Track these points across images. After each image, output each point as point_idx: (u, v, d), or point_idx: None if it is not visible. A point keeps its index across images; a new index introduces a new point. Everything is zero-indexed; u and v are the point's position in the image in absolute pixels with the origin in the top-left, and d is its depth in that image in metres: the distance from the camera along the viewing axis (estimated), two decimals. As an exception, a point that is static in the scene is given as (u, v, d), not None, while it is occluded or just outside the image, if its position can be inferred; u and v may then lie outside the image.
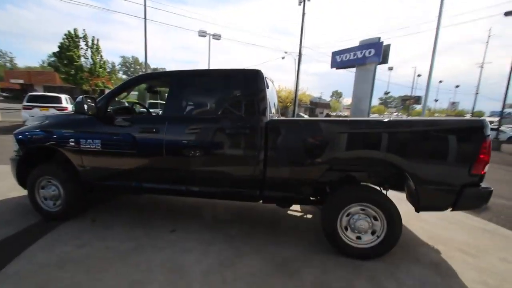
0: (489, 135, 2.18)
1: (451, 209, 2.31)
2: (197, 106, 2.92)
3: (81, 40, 21.66)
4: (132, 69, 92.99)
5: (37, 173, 2.99)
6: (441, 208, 2.34)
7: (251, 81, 2.64)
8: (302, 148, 2.48)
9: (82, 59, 22.30)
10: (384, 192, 2.55)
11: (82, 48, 22.16)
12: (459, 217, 3.58)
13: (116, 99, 3.23)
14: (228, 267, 2.26)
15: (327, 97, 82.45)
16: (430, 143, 2.26)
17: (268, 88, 2.75)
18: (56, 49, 20.93)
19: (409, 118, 2.93)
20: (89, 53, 22.44)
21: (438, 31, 9.56)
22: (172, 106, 2.81)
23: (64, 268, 2.17)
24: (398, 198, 2.62)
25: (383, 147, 2.30)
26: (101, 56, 23.66)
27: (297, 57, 20.63)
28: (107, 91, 30.19)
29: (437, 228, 3.24)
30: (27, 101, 9.98)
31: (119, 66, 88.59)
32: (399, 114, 54.55)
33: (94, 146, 2.80)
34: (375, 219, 2.39)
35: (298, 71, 20.53)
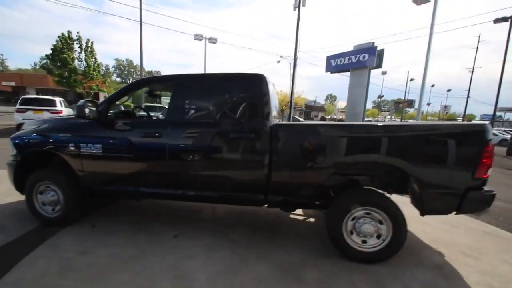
0: (491, 139, 2.22)
1: (455, 212, 2.34)
2: (200, 110, 2.90)
3: (75, 42, 21.44)
4: (126, 72, 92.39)
5: (35, 178, 2.92)
6: (445, 211, 2.37)
7: (254, 85, 2.64)
8: (307, 152, 2.49)
9: (76, 61, 22.06)
10: (388, 196, 2.57)
11: (76, 50, 21.93)
12: (459, 219, 3.62)
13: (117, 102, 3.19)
14: (234, 274, 2.24)
15: (321, 101, 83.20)
16: (434, 147, 2.28)
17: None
18: (49, 51, 20.66)
19: (413, 122, 2.98)
20: (83, 55, 22.22)
21: (431, 38, 9.74)
22: (175, 110, 2.79)
23: (65, 276, 2.12)
24: (400, 201, 2.63)
25: (388, 151, 2.32)
26: (95, 58, 23.44)
27: (293, 61, 20.80)
28: (101, 94, 29.93)
29: (438, 231, 3.27)
30: (21, 104, 9.80)
31: (113, 68, 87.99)
32: (392, 117, 55.24)
33: (94, 151, 2.75)
34: (381, 223, 2.40)
35: (294, 75, 20.68)
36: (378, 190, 2.57)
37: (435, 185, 2.29)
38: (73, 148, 2.78)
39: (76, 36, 21.22)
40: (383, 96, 52.59)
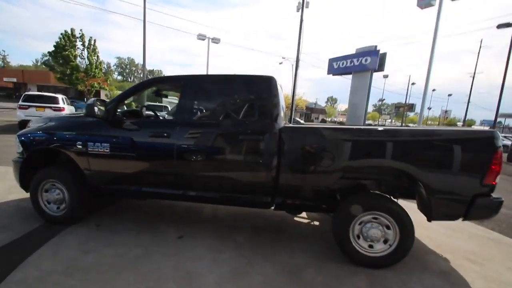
0: (500, 146, 2.22)
1: (462, 218, 2.34)
2: (209, 111, 2.90)
3: (77, 40, 21.47)
4: (127, 70, 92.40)
5: (41, 176, 2.91)
6: (453, 217, 2.36)
7: (264, 87, 2.64)
8: (315, 155, 2.48)
9: (78, 59, 22.08)
10: (395, 200, 2.56)
11: (78, 48, 21.96)
12: (463, 225, 3.62)
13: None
14: (241, 276, 2.23)
15: (322, 103, 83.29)
16: (443, 153, 2.28)
17: None
18: (50, 48, 20.71)
19: (424, 127, 2.98)
20: (85, 53, 22.24)
21: (435, 43, 9.77)
22: (184, 110, 2.78)
23: (72, 275, 2.11)
24: (405, 207, 2.63)
25: (398, 156, 2.32)
26: (97, 56, 23.47)
27: (295, 62, 20.81)
28: (102, 92, 29.98)
29: (443, 237, 3.26)
30: (23, 101, 9.79)
31: (114, 66, 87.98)
32: (393, 121, 55.32)
33: (102, 150, 2.75)
34: (388, 227, 2.40)
35: (296, 76, 20.69)
36: (386, 194, 2.57)
37: (443, 191, 2.29)
38: (80, 146, 2.77)
39: (79, 33, 21.23)
40: (384, 99, 52.67)
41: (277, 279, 2.21)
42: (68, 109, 10.67)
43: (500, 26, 13.71)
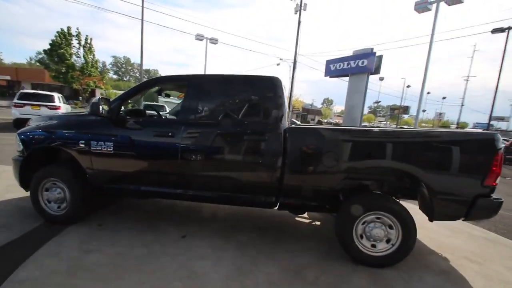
0: (501, 148, 2.26)
1: (463, 219, 2.38)
2: (214, 111, 2.90)
3: (74, 38, 21.26)
4: (123, 69, 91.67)
5: (42, 174, 2.87)
6: (454, 217, 2.41)
7: (270, 88, 2.66)
8: (320, 156, 2.51)
9: (74, 57, 21.87)
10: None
11: (74, 46, 21.75)
12: (461, 226, 3.68)
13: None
14: (247, 275, 2.24)
15: (318, 104, 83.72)
16: (446, 154, 2.32)
17: None
18: (45, 46, 20.51)
19: (427, 129, 3.00)
20: (81, 51, 22.04)
21: (431, 48, 9.94)
22: (189, 110, 2.78)
23: (76, 275, 2.09)
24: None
25: (401, 157, 2.35)
26: (93, 55, 23.28)
27: (292, 64, 20.92)
28: (97, 90, 29.79)
29: (442, 237, 3.31)
30: (19, 99, 9.64)
31: (110, 65, 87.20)
32: (388, 123, 55.81)
33: (105, 149, 2.73)
34: (390, 227, 2.43)
35: (293, 78, 20.81)
36: (388, 195, 2.61)
37: (445, 192, 2.33)
38: (83, 145, 2.75)
39: (76, 32, 21.04)
40: (380, 101, 53.19)
41: (281, 278, 2.23)
42: (64, 108, 10.54)
43: (494, 31, 13.97)
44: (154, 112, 3.84)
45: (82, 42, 22.25)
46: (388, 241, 2.45)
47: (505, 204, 4.33)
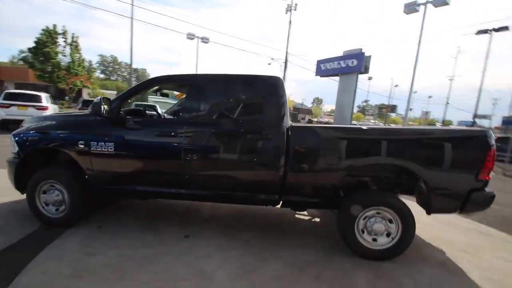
0: (494, 144, 2.38)
1: (459, 211, 2.49)
2: (216, 110, 2.90)
3: (59, 36, 20.66)
4: (110, 68, 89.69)
5: (39, 176, 2.81)
6: (450, 210, 2.52)
7: (272, 87, 2.69)
8: (322, 154, 2.56)
9: (60, 56, 21.26)
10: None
11: (60, 44, 21.13)
12: (453, 219, 3.82)
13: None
14: (253, 272, 2.27)
15: (308, 104, 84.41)
16: (443, 151, 2.42)
17: None
18: (29, 44, 19.84)
19: (425, 127, 3.11)
20: (67, 50, 21.45)
21: (419, 50, 10.26)
22: (190, 110, 2.78)
23: (82, 278, 2.06)
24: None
25: (401, 154, 2.44)
26: (79, 53, 22.70)
27: (283, 64, 21.06)
28: (84, 90, 29.00)
29: (436, 230, 3.44)
30: (4, 99, 9.29)
31: (97, 64, 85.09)
32: (376, 121, 56.95)
33: (106, 149, 2.69)
34: (391, 221, 2.51)
35: (284, 77, 20.91)
36: (387, 190, 2.69)
37: (442, 186, 2.43)
38: (82, 146, 2.71)
39: (62, 30, 20.44)
40: (368, 100, 54.21)
41: (287, 274, 2.27)
42: (52, 108, 10.23)
43: (479, 33, 14.49)
44: (153, 112, 3.81)
45: (69, 40, 21.65)
46: (388, 235, 2.54)
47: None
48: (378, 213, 2.52)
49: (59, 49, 20.84)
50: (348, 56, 14.62)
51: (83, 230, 2.85)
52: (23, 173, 2.90)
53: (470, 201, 2.41)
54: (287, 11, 19.54)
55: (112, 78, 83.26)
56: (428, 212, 2.55)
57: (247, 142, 2.66)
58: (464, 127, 6.38)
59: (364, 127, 2.69)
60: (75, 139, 2.73)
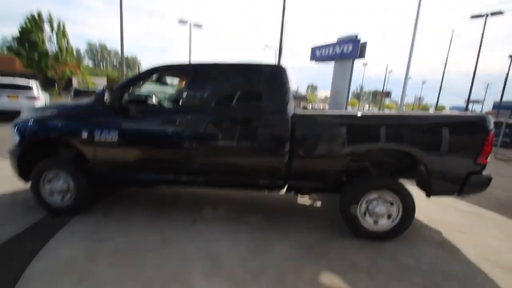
0: (492, 129, 2.46)
1: (457, 193, 2.59)
2: (220, 98, 2.89)
3: (45, 23, 19.86)
4: (99, 56, 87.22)
5: (44, 165, 2.80)
6: (450, 193, 2.62)
7: (276, 76, 2.69)
8: (326, 141, 2.61)
9: (47, 43, 20.52)
10: (397, 180, 2.77)
11: (46, 32, 20.35)
12: (448, 202, 3.96)
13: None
14: (262, 253, 2.36)
15: (303, 90, 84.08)
16: (443, 135, 2.48)
17: None
18: (14, 32, 19.04)
19: (426, 113, 3.15)
20: (54, 37, 20.69)
21: (415, 36, 10.21)
22: (193, 98, 2.77)
23: (96, 262, 2.11)
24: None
25: (403, 139, 2.50)
26: (67, 41, 21.94)
27: (277, 51, 20.72)
28: (74, 78, 28.20)
29: (433, 212, 3.57)
30: (-8, 88, 9.01)
31: (85, 52, 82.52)
32: (371, 107, 57.32)
33: (110, 138, 2.68)
34: (391, 204, 2.60)
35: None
36: (389, 174, 2.77)
37: (442, 170, 2.51)
38: (86, 135, 2.69)
39: (47, 16, 19.63)
40: (364, 86, 54.27)
41: (296, 255, 2.37)
42: (43, 97, 9.98)
43: (473, 17, 14.48)
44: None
45: (55, 28, 20.84)
46: (389, 217, 2.64)
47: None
48: (379, 196, 2.60)
49: (46, 36, 20.07)
50: (343, 41, 14.45)
51: (90, 218, 2.87)
52: (26, 163, 2.88)
53: (468, 183, 2.51)
54: (282, -5, 19.02)
55: (102, 66, 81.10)
56: (428, 195, 2.65)
57: (252, 130, 2.68)
58: (463, 112, 6.47)
59: (367, 114, 2.73)
60: (78, 129, 2.71)
